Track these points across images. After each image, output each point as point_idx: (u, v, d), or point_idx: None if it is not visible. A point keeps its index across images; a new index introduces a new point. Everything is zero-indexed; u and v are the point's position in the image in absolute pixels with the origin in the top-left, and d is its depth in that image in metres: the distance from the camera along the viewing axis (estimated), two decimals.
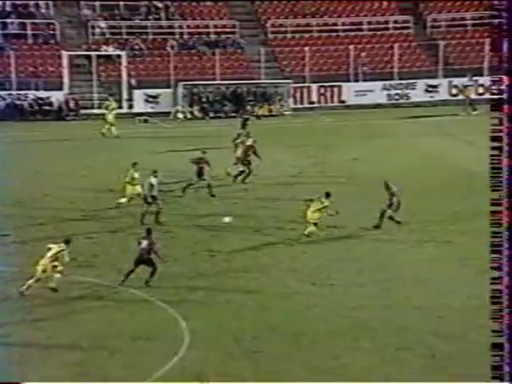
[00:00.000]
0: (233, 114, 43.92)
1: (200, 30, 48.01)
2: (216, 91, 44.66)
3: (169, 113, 43.60)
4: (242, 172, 30.11)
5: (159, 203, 25.35)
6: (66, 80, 44.42)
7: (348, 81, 46.24)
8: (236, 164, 30.27)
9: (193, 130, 40.94)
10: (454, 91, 46.27)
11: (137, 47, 46.60)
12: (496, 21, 43.51)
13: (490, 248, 12.18)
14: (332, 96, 45.65)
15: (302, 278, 21.21)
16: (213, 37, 47.78)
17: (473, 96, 43.60)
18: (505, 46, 12.04)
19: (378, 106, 45.46)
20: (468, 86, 44.30)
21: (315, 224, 23.52)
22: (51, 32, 46.40)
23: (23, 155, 34.22)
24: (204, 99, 44.42)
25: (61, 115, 43.61)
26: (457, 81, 46.12)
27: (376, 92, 45.78)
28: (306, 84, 45.85)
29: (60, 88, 44.23)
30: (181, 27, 47.85)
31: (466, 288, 20.28)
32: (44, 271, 19.75)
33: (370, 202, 25.95)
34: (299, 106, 45.09)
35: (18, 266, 21.92)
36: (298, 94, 45.42)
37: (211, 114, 44.22)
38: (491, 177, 12.21)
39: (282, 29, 48.55)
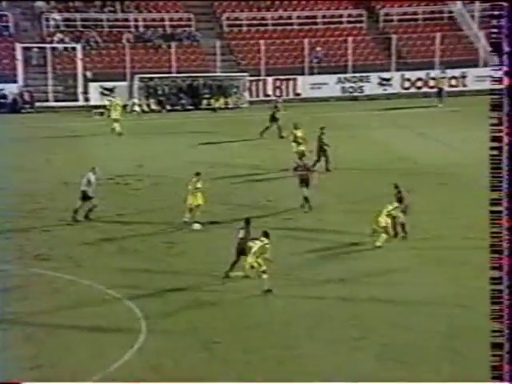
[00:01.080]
0: (190, 107, 43.91)
1: (155, 23, 47.73)
2: (172, 84, 44.45)
3: (125, 106, 43.29)
4: (327, 162, 29.71)
5: (93, 200, 24.83)
6: (20, 72, 43.83)
7: (303, 74, 46.37)
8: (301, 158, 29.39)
9: (150, 122, 40.70)
10: (407, 84, 46.72)
11: (92, 40, 46.15)
12: (446, 15, 43.40)
13: (490, 248, 12.00)
14: (287, 89, 45.76)
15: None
16: (168, 30, 47.54)
17: (446, 88, 43.96)
18: (505, 46, 11.87)
19: (333, 98, 45.66)
20: (441, 78, 44.75)
21: (385, 228, 22.61)
22: (4, 24, 45.74)
23: None
24: (160, 92, 44.20)
25: (15, 108, 43.03)
26: (409, 74, 46.57)
27: (330, 85, 45.97)
28: (262, 77, 45.89)
29: (14, 81, 43.63)
30: (136, 20, 47.51)
31: (423, 279, 20.46)
32: (252, 267, 19.61)
33: (325, 194, 26.08)
34: (255, 98, 45.09)
35: None
36: (253, 87, 45.42)
37: (168, 107, 44.04)
38: (491, 177, 12.01)
39: (238, 22, 48.51)
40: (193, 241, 23.45)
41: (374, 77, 46.34)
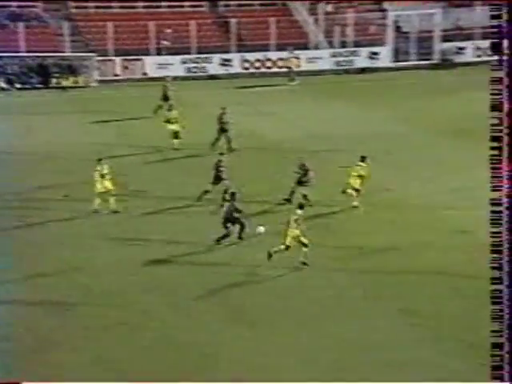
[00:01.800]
0: (39, 86, 43.06)
1: (1, 2, 46.19)
2: (22, 63, 43.40)
3: None
4: (228, 142, 28.95)
5: None
6: None
7: (149, 55, 46.39)
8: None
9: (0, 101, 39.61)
10: (246, 65, 47.78)
11: None
12: (279, 2, 44.06)
13: (490, 248, 11.72)
14: (135, 69, 45.71)
15: (108, 235, 21.30)
16: (16, 10, 46.17)
17: (294, 67, 45.34)
18: (505, 46, 11.60)
19: (178, 78, 45.94)
20: (289, 58, 46.00)
21: (357, 190, 22.56)
22: None
23: None
24: (10, 71, 43.09)
25: None
26: (248, 55, 47.63)
27: (176, 65, 46.28)
28: (110, 57, 45.55)
29: None
30: None
31: (276, 242, 20.76)
32: (294, 238, 19.02)
33: (175, 169, 26.34)
34: (104, 78, 44.79)
35: None
36: (102, 67, 45.03)
37: (18, 86, 43.01)
38: (491, 177, 11.73)
39: (84, 4, 47.82)
40: (56, 216, 23.00)
41: (216, 58, 47.03)
